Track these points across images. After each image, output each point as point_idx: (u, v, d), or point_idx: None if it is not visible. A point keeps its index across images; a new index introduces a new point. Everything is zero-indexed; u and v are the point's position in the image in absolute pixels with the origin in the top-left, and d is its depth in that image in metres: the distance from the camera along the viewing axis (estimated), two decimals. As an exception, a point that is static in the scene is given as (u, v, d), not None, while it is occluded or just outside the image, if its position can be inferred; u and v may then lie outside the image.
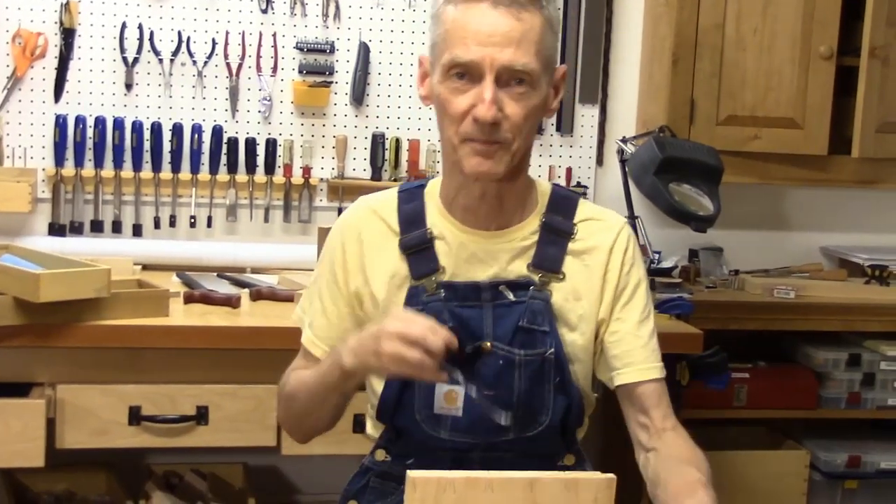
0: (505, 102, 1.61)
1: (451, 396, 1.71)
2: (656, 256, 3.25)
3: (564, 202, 1.81)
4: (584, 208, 1.81)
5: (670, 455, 1.72)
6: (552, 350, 1.72)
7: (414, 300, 1.73)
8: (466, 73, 1.61)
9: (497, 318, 1.72)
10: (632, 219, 2.99)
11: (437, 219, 1.77)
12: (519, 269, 1.75)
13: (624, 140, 3.08)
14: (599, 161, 3.40)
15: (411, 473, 1.38)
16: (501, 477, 1.39)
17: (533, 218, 1.77)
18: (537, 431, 1.73)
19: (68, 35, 3.05)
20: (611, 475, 1.42)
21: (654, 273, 3.09)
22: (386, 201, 1.81)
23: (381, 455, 1.79)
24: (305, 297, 1.88)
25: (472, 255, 1.75)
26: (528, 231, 1.76)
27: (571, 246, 1.77)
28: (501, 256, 1.75)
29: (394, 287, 1.76)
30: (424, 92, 1.73)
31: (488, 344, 1.71)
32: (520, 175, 1.74)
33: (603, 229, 1.80)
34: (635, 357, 1.76)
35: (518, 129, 1.64)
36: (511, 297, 1.73)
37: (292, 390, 1.81)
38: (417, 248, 1.75)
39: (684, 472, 1.67)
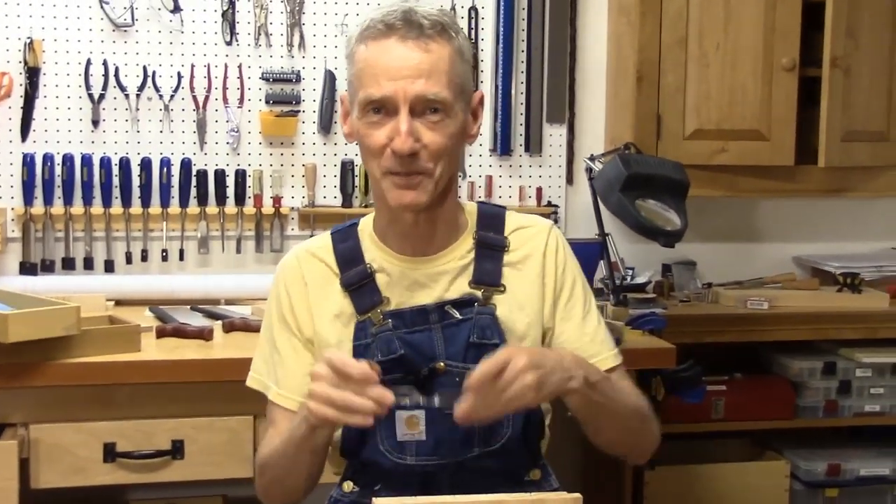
0: (422, 132, 1.64)
1: (413, 422, 1.72)
2: (630, 272, 3.27)
3: (493, 218, 1.84)
4: (511, 220, 1.85)
5: None
6: None
7: (362, 334, 1.75)
8: (382, 107, 1.65)
9: (447, 338, 1.74)
10: (603, 236, 3.01)
11: (374, 253, 1.79)
12: (461, 287, 1.77)
13: (592, 158, 3.09)
14: (569, 180, 3.42)
15: (377, 501, 1.38)
16: (467, 500, 1.39)
17: (466, 237, 1.81)
18: (501, 444, 1.73)
19: (33, 74, 3.05)
20: (577, 495, 1.42)
21: (628, 289, 3.11)
22: (321, 244, 1.84)
23: (348, 486, 1.79)
24: (258, 359, 1.87)
25: (413, 282, 1.77)
26: (463, 250, 1.79)
27: (507, 258, 1.80)
28: (442, 279, 1.77)
29: (340, 326, 1.77)
30: (347, 130, 1.75)
31: (442, 364, 1.73)
32: (447, 199, 1.76)
33: (532, 236, 1.83)
34: (585, 353, 1.78)
35: (437, 156, 1.67)
36: (458, 315, 1.75)
37: (264, 459, 1.77)
38: (359, 284, 1.77)
39: None
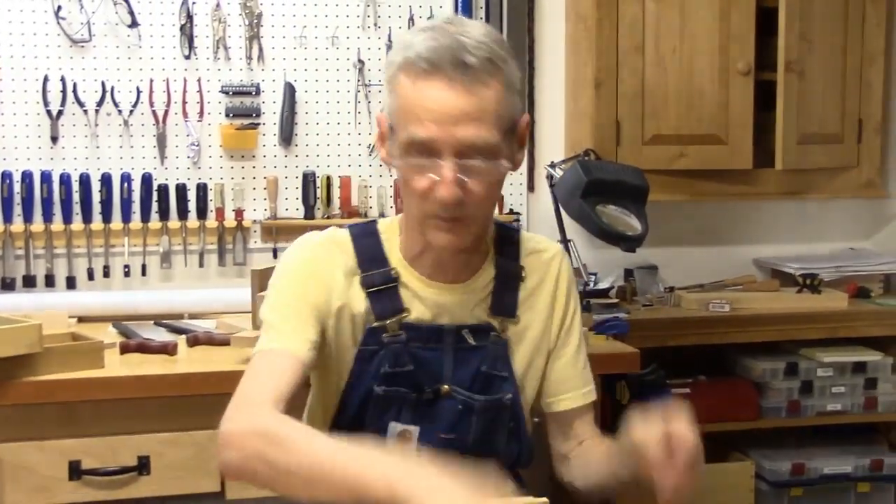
0: (467, 179, 1.58)
1: (406, 436, 1.72)
2: (592, 278, 3.29)
3: (509, 242, 1.82)
4: (525, 243, 1.84)
5: (592, 446, 1.83)
6: (510, 396, 1.75)
7: (371, 339, 1.72)
8: (425, 149, 1.58)
9: (458, 363, 1.74)
10: (564, 242, 3.03)
11: (402, 268, 1.74)
12: (480, 315, 1.77)
13: (552, 165, 3.11)
14: (531, 187, 3.44)
15: None
16: None
17: (488, 265, 1.79)
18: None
19: (-10, 90, 3.04)
20: (544, 499, 1.43)
21: (591, 294, 3.13)
22: (340, 238, 1.76)
23: None
24: (267, 330, 1.70)
25: (437, 305, 1.74)
26: (486, 279, 1.78)
27: (523, 286, 1.80)
28: (465, 305, 1.76)
29: (348, 322, 1.72)
30: (384, 154, 1.68)
31: (447, 387, 1.73)
32: (483, 234, 1.75)
33: (546, 262, 1.83)
34: (575, 383, 1.82)
35: (481, 204, 1.63)
36: (472, 341, 1.74)
37: (287, 455, 1.43)
38: (381, 287, 1.73)
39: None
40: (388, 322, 1.72)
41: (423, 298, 1.74)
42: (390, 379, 1.70)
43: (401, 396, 1.71)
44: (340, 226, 1.80)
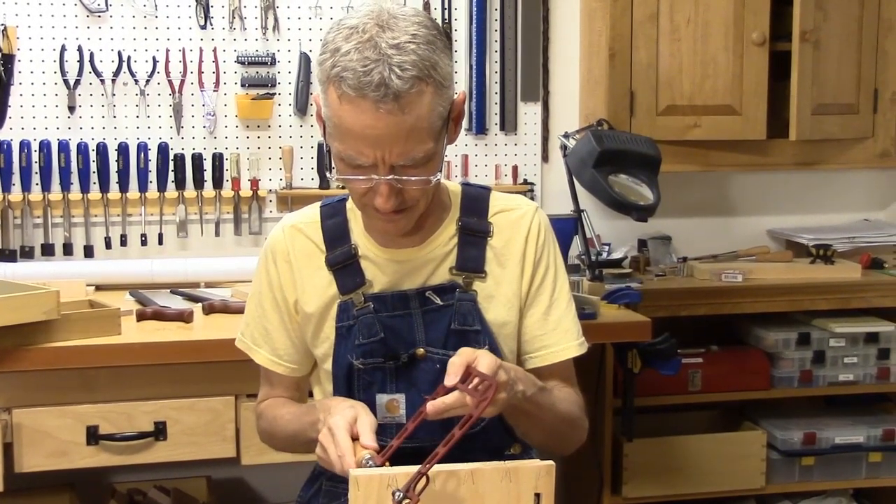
0: (403, 185, 1.61)
1: (393, 405, 1.76)
2: (606, 248, 3.31)
3: (476, 202, 1.84)
4: (495, 201, 1.84)
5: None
6: (486, 347, 1.75)
7: (344, 315, 1.77)
8: (359, 164, 1.60)
9: (428, 324, 1.77)
10: (578, 212, 3.04)
11: (360, 238, 1.80)
12: (443, 274, 1.79)
13: (566, 135, 3.12)
14: (545, 157, 3.45)
15: (353, 472, 1.41)
16: (442, 470, 1.42)
17: (449, 223, 1.81)
18: (481, 427, 1.75)
19: (7, 60, 3.04)
20: (550, 462, 1.45)
21: (605, 265, 3.14)
22: (309, 219, 1.84)
23: None
24: (244, 323, 1.91)
25: (396, 270, 1.79)
26: (446, 237, 1.80)
27: (490, 243, 1.81)
28: (426, 266, 1.79)
29: (324, 304, 1.80)
30: (321, 128, 1.68)
31: (422, 350, 1.76)
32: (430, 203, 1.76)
33: (516, 220, 1.83)
34: (544, 342, 1.82)
35: (421, 198, 1.66)
36: (439, 301, 1.77)
37: (270, 429, 1.88)
38: (343, 264, 1.79)
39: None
40: (352, 296, 1.77)
41: (381, 266, 1.78)
42: (366, 351, 1.75)
43: (379, 367, 1.76)
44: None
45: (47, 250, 3.14)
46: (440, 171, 1.67)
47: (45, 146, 3.09)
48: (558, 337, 1.83)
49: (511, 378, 1.57)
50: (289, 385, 1.91)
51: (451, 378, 1.50)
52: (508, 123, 3.41)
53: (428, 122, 1.58)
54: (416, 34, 1.57)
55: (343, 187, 1.72)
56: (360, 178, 1.61)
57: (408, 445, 1.70)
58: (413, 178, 1.61)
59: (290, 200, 3.25)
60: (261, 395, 1.94)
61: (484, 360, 1.52)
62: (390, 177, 1.60)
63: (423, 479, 1.38)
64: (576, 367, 1.89)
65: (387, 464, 1.49)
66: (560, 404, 1.76)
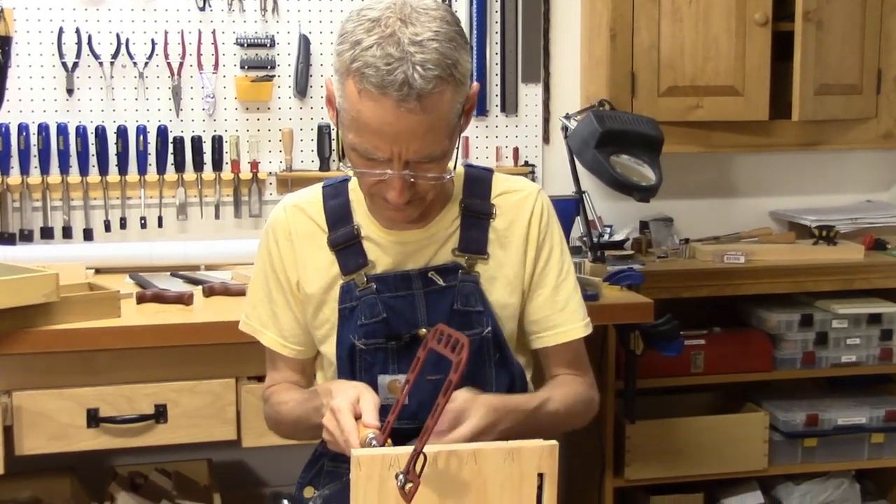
0: (416, 180, 1.62)
1: (395, 386, 1.75)
2: (608, 230, 3.29)
3: (479, 183, 1.84)
4: (498, 183, 1.85)
5: (558, 381, 1.86)
6: (489, 329, 1.76)
7: (347, 297, 1.77)
8: (373, 157, 1.60)
9: (430, 305, 1.76)
10: (579, 193, 3.02)
11: (363, 219, 1.80)
12: (445, 255, 1.79)
13: (567, 116, 3.10)
14: (546, 139, 3.43)
15: (356, 452, 1.40)
16: (445, 450, 1.41)
17: (452, 204, 1.81)
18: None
19: (5, 43, 3.03)
20: (553, 442, 1.44)
21: (607, 246, 3.13)
22: (311, 199, 1.84)
23: None
24: (249, 304, 1.90)
25: (399, 251, 1.78)
26: (450, 219, 1.80)
27: (493, 224, 1.81)
28: (429, 247, 1.79)
29: (326, 285, 1.79)
30: (332, 117, 1.67)
31: (424, 330, 1.74)
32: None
33: (519, 202, 1.83)
34: (551, 322, 1.83)
35: (429, 192, 1.66)
36: (441, 282, 1.76)
37: (275, 415, 1.88)
38: (345, 245, 1.79)
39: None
40: (355, 277, 1.77)
41: (385, 247, 1.78)
42: (368, 332, 1.74)
43: (381, 348, 1.75)
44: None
45: (46, 233, 3.13)
46: (454, 168, 1.68)
47: (43, 129, 3.08)
48: (566, 317, 1.84)
49: (491, 422, 1.59)
50: (294, 369, 1.90)
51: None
52: (509, 105, 3.39)
53: (446, 121, 1.59)
54: (438, 31, 1.55)
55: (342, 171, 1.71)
56: (375, 171, 1.61)
57: (411, 426, 1.70)
58: (428, 175, 1.62)
59: (290, 183, 3.23)
60: (267, 381, 1.94)
61: (471, 422, 1.57)
62: (405, 172, 1.60)
63: (422, 458, 1.37)
64: (578, 350, 1.90)
65: (388, 442, 1.48)
66: (561, 408, 1.77)
